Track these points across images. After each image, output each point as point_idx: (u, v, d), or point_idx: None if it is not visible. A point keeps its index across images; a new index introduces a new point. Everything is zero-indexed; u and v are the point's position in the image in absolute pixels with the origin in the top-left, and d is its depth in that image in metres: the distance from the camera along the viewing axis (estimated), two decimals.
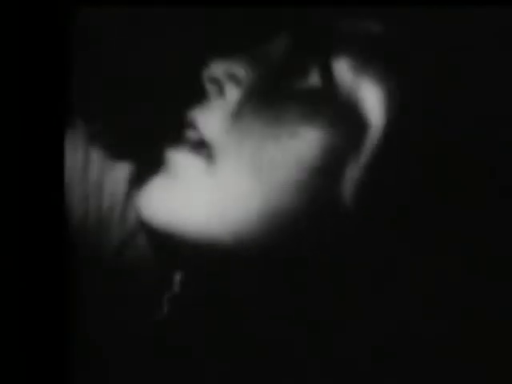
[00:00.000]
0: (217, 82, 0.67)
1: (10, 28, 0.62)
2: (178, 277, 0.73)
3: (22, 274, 0.61)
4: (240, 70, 0.66)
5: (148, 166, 0.70)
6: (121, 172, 0.77)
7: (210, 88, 0.68)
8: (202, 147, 0.66)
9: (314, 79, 0.64)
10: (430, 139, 0.62)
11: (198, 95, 0.68)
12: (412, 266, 0.62)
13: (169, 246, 0.66)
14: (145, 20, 0.74)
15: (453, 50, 0.63)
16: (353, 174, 0.61)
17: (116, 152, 0.75)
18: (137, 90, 0.78)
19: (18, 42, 0.62)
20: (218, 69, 0.66)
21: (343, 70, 0.62)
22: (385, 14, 0.64)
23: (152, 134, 0.74)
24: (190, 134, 0.67)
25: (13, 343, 0.59)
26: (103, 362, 0.72)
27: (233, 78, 0.66)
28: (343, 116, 0.62)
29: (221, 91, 0.67)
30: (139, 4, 0.70)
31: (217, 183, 0.64)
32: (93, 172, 0.76)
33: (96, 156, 0.75)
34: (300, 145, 0.62)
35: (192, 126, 0.66)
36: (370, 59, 0.63)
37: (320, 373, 0.64)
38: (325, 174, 0.62)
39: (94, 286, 0.73)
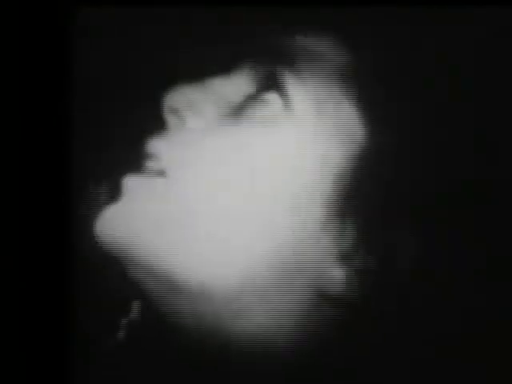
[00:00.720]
0: (176, 112, 0.68)
1: (10, 28, 0.62)
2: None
3: (22, 274, 0.61)
4: (200, 100, 0.67)
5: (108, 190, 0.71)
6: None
7: (170, 118, 0.68)
8: (161, 176, 0.66)
9: (275, 106, 0.64)
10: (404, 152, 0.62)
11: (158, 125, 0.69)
12: None
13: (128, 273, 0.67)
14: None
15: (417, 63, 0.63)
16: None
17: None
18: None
19: (17, 42, 0.63)
20: (178, 98, 0.67)
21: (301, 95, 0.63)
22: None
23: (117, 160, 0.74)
24: (150, 164, 0.67)
25: (13, 342, 0.60)
26: (103, 361, 0.72)
27: (193, 107, 0.67)
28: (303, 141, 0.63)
29: (181, 121, 0.68)
30: (139, 4, 0.70)
31: (171, 208, 0.64)
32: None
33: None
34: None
35: (152, 155, 0.67)
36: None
37: None
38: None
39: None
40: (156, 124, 0.69)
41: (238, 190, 0.63)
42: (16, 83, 0.62)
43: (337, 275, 0.63)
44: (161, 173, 0.66)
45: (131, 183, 0.67)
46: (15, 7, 0.63)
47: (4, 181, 0.61)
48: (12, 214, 0.61)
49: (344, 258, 0.63)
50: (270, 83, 0.65)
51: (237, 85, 0.68)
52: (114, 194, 0.68)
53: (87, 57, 0.71)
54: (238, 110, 0.67)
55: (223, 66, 0.69)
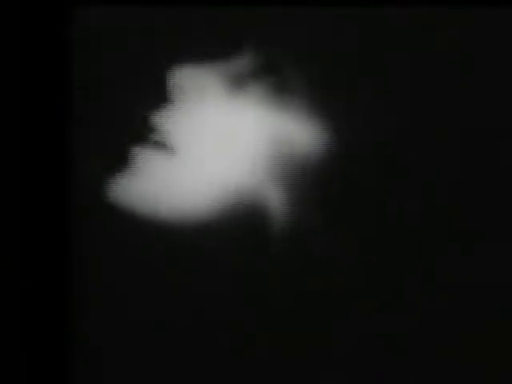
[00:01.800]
0: (181, 89, 0.71)
1: (9, 27, 0.62)
2: None
3: (22, 273, 0.61)
4: (203, 78, 0.71)
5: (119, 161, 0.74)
6: None
7: (175, 94, 0.72)
8: (164, 148, 0.70)
9: (271, 86, 0.70)
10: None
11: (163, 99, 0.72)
12: None
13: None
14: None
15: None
16: None
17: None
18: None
19: (17, 42, 0.62)
20: (183, 76, 0.71)
21: None
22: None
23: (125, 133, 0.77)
24: (154, 136, 0.71)
25: (13, 340, 0.60)
26: (103, 362, 0.72)
27: (196, 84, 0.71)
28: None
29: (185, 97, 0.71)
30: (135, 4, 0.71)
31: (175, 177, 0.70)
32: None
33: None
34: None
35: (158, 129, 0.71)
36: None
37: None
38: None
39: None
40: (161, 100, 0.72)
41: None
42: (15, 82, 0.62)
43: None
44: (165, 146, 0.70)
45: (137, 156, 0.70)
46: (14, 6, 0.63)
47: (3, 179, 0.61)
48: (12, 210, 0.61)
49: None
50: (269, 66, 0.70)
51: (238, 65, 0.72)
52: (119, 167, 0.71)
53: (87, 56, 0.71)
54: (237, 89, 0.71)
55: (225, 49, 0.73)
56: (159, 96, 0.72)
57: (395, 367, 0.63)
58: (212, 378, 0.68)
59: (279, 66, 0.70)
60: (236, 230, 0.69)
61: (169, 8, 0.72)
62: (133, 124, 0.72)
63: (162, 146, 0.71)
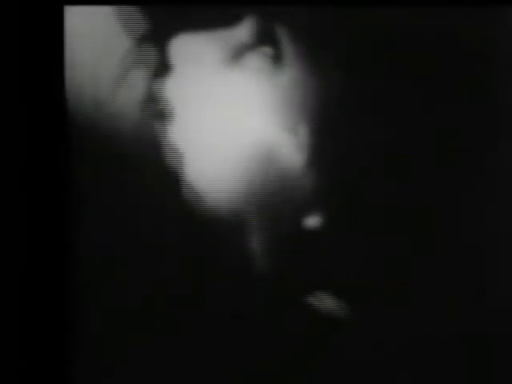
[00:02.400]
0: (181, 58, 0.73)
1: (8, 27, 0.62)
2: None
3: (22, 271, 0.61)
4: (203, 48, 0.73)
5: None
6: None
7: (175, 63, 0.74)
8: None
9: (268, 59, 0.72)
10: None
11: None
12: None
13: None
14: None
15: None
16: None
17: None
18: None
19: (16, 42, 0.63)
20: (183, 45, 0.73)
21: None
22: None
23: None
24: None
25: (13, 337, 0.60)
26: (102, 357, 0.72)
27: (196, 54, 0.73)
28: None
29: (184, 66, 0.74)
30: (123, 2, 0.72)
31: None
32: None
33: None
34: None
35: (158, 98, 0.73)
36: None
37: None
38: None
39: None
40: (161, 68, 0.74)
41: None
42: (12, 81, 0.62)
43: None
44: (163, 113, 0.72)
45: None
46: (11, 6, 0.63)
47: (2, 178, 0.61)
48: (14, 209, 0.61)
49: None
50: (267, 37, 0.72)
51: (237, 36, 0.74)
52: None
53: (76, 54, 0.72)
54: (236, 60, 0.73)
55: (226, 19, 0.75)
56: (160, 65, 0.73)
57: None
58: (213, 367, 0.69)
59: (277, 37, 0.71)
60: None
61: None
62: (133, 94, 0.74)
63: (161, 114, 0.72)
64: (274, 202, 0.71)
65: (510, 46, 0.65)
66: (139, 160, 0.72)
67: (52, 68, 0.65)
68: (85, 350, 0.68)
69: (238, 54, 0.73)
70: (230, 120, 0.72)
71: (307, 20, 0.71)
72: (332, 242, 0.69)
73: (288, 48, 0.71)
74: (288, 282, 0.70)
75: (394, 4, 0.66)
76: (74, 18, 0.70)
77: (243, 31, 0.73)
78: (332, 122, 0.70)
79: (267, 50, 0.72)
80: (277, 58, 0.72)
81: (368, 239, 0.68)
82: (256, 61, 0.72)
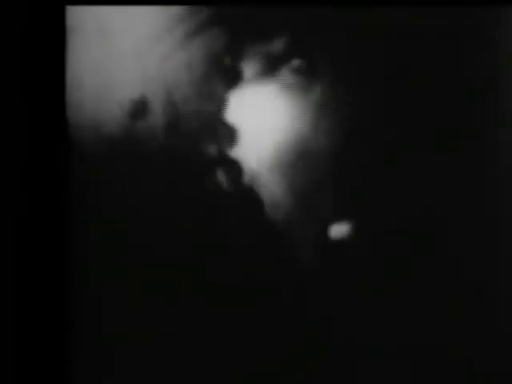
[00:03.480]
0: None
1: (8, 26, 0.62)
2: None
3: (22, 271, 0.61)
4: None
5: None
6: None
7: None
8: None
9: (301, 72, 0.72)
10: None
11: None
12: None
13: None
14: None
15: None
16: None
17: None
18: None
19: (18, 41, 0.62)
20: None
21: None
22: None
23: None
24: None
25: (11, 335, 0.60)
26: (102, 355, 0.72)
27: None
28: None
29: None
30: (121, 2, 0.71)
31: None
32: None
33: None
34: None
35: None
36: None
37: None
38: None
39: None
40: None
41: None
42: (12, 80, 0.62)
43: None
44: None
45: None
46: (9, 4, 0.63)
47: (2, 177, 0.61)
48: (13, 207, 0.61)
49: None
50: (302, 51, 0.73)
51: (276, 49, 0.74)
52: None
53: (78, 54, 0.71)
54: (272, 71, 0.74)
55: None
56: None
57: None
58: (213, 367, 0.69)
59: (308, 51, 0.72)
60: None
61: None
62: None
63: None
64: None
65: (510, 46, 0.65)
66: (138, 160, 0.72)
67: (53, 68, 0.65)
68: (85, 350, 0.68)
69: (273, 66, 0.73)
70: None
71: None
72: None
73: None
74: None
75: (394, 4, 0.66)
76: (75, 17, 0.70)
77: (280, 43, 0.73)
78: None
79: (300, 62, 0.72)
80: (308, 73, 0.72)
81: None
82: (289, 75, 0.72)
